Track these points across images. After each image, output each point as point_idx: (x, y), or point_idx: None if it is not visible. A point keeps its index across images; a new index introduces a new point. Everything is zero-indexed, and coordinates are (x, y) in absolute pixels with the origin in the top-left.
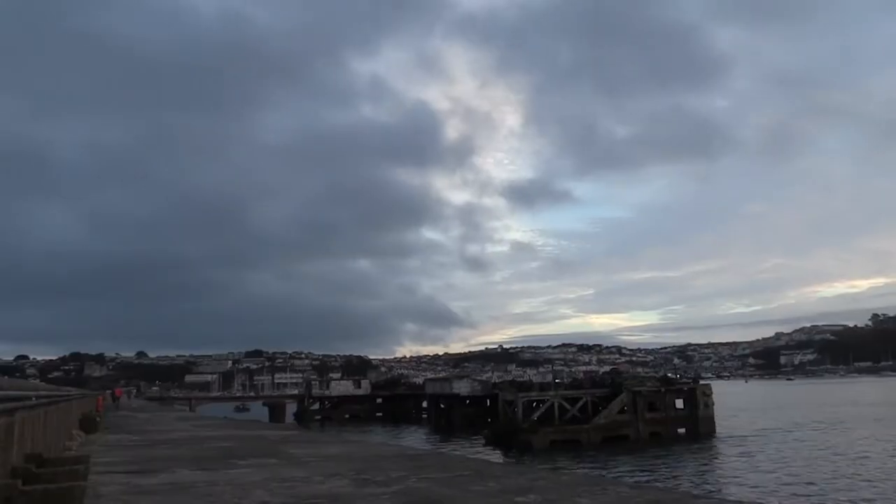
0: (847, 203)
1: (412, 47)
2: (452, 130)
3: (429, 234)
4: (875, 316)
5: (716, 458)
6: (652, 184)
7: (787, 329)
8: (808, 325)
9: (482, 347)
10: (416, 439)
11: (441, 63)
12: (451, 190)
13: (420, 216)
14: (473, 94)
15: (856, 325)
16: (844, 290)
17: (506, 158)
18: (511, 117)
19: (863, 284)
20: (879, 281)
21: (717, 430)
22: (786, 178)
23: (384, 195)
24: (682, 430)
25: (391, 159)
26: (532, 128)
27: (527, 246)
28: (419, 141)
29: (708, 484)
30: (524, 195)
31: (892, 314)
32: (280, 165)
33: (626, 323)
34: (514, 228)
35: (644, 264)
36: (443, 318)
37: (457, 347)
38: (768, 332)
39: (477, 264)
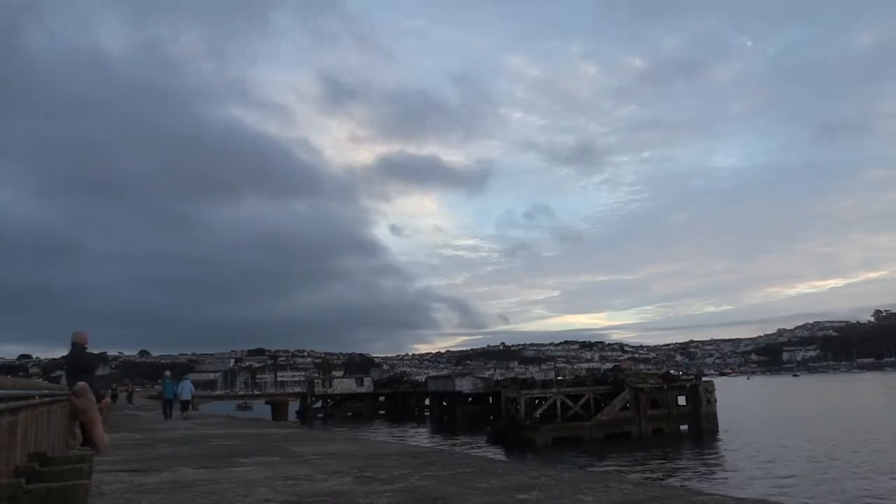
0: (773, 212)
1: None
2: None
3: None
4: (878, 312)
5: (718, 455)
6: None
7: (789, 325)
8: (811, 321)
9: (484, 345)
10: (418, 437)
11: None
12: None
13: None
14: None
15: (858, 322)
16: (808, 290)
17: None
18: None
19: (825, 285)
20: (839, 282)
21: (720, 426)
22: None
23: None
24: (684, 427)
25: None
26: None
27: (476, 249)
28: None
29: (710, 480)
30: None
31: (894, 310)
32: None
33: (607, 322)
34: (461, 235)
35: (595, 268)
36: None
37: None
38: (770, 329)
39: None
